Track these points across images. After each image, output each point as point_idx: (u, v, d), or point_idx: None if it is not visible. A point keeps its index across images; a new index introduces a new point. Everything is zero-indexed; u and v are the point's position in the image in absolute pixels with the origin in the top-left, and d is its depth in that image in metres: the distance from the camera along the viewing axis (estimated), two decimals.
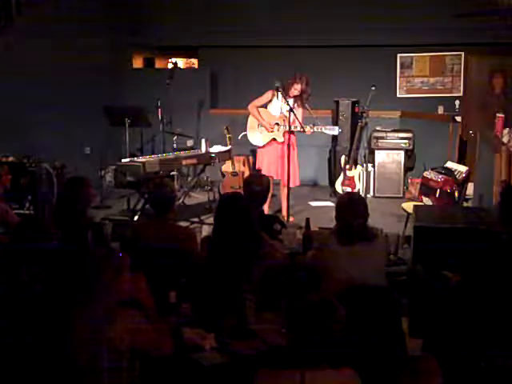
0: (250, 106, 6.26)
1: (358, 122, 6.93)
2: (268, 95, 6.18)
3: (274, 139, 6.17)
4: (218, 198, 6.88)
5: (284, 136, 6.10)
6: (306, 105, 6.15)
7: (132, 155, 6.91)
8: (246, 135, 6.46)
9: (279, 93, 5.96)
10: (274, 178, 6.17)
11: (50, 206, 5.47)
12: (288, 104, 5.77)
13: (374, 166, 7.72)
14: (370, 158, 7.52)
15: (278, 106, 6.17)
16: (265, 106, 6.28)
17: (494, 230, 4.00)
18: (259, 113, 6.22)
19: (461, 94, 8.14)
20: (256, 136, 6.29)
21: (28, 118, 6.63)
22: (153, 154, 7.47)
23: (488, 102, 6.84)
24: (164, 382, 2.59)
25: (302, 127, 5.93)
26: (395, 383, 2.52)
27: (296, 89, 6.04)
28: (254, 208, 3.78)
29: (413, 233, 4.43)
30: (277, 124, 6.13)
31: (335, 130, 6.26)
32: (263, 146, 6.26)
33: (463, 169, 6.20)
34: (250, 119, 6.32)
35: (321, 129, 6.15)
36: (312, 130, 6.06)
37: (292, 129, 5.85)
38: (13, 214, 4.29)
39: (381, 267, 3.37)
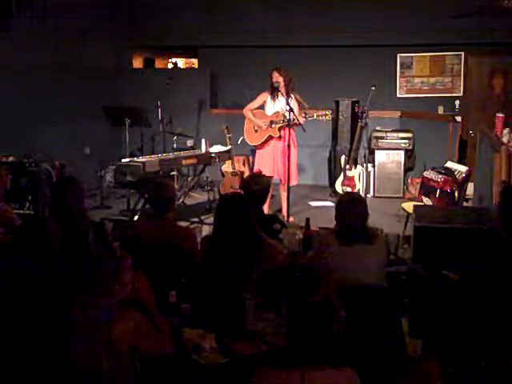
0: (244, 110, 6.35)
1: (358, 122, 6.94)
2: (261, 97, 6.27)
3: (271, 136, 6.18)
4: (218, 198, 6.88)
5: (280, 132, 6.11)
6: (297, 96, 6.17)
7: (132, 155, 6.92)
8: (244, 139, 6.49)
9: (279, 92, 6.00)
10: (273, 178, 6.18)
11: (50, 206, 5.48)
12: (288, 104, 5.80)
13: (374, 166, 7.72)
14: (370, 158, 7.52)
15: (271, 106, 6.20)
16: (261, 108, 6.31)
17: (494, 229, 4.00)
18: (254, 114, 6.29)
19: (461, 94, 8.14)
20: (253, 136, 6.33)
21: (28, 117, 6.63)
22: (153, 154, 7.47)
23: (488, 102, 6.85)
24: (164, 382, 2.59)
25: (298, 120, 5.93)
26: (395, 383, 2.52)
27: (276, 77, 6.05)
28: (253, 208, 3.78)
29: (413, 233, 4.43)
30: (271, 122, 6.15)
31: (328, 116, 6.25)
32: (261, 147, 6.29)
33: (463, 169, 6.20)
34: (246, 122, 6.37)
35: (313, 115, 6.16)
36: (305, 119, 6.07)
37: (290, 122, 5.88)
38: (13, 215, 4.28)
39: (381, 267, 3.36)
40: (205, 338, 2.73)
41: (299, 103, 6.17)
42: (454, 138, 7.56)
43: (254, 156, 6.57)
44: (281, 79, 6.03)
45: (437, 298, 3.33)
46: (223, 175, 7.44)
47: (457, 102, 7.90)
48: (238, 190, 6.37)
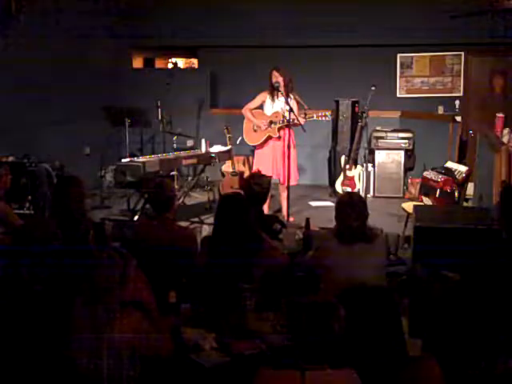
0: (243, 110, 6.33)
1: (358, 122, 6.93)
2: (261, 97, 6.25)
3: (270, 136, 6.18)
4: (218, 198, 6.88)
5: (280, 132, 6.10)
6: (297, 96, 6.17)
7: (132, 155, 6.92)
8: (242, 140, 6.49)
9: (279, 92, 6.00)
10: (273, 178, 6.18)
11: (50, 206, 5.48)
12: (288, 103, 5.79)
13: (374, 166, 7.72)
14: (370, 158, 7.52)
15: (270, 106, 6.20)
16: (261, 107, 6.31)
17: (493, 229, 4.01)
18: (253, 114, 6.28)
19: (461, 94, 8.14)
20: (252, 136, 6.32)
21: (28, 117, 6.63)
22: (153, 154, 7.47)
23: (488, 102, 6.85)
24: (164, 382, 2.59)
25: (298, 120, 5.93)
26: (395, 383, 2.52)
27: (276, 76, 6.04)
28: (253, 208, 3.78)
29: (413, 233, 4.43)
30: (271, 122, 6.14)
31: (327, 116, 6.25)
32: (260, 147, 6.28)
33: (463, 169, 6.20)
34: (245, 122, 6.36)
35: (313, 116, 6.16)
36: (305, 120, 6.07)
37: (290, 122, 5.88)
38: (14, 215, 4.28)
39: (381, 267, 3.37)
40: (205, 338, 2.73)
41: (298, 104, 6.16)
42: (454, 137, 7.56)
43: (253, 156, 6.57)
44: (281, 79, 6.02)
45: (437, 297, 3.33)
46: (223, 175, 7.43)
47: (457, 102, 7.90)
48: (238, 190, 6.37)
